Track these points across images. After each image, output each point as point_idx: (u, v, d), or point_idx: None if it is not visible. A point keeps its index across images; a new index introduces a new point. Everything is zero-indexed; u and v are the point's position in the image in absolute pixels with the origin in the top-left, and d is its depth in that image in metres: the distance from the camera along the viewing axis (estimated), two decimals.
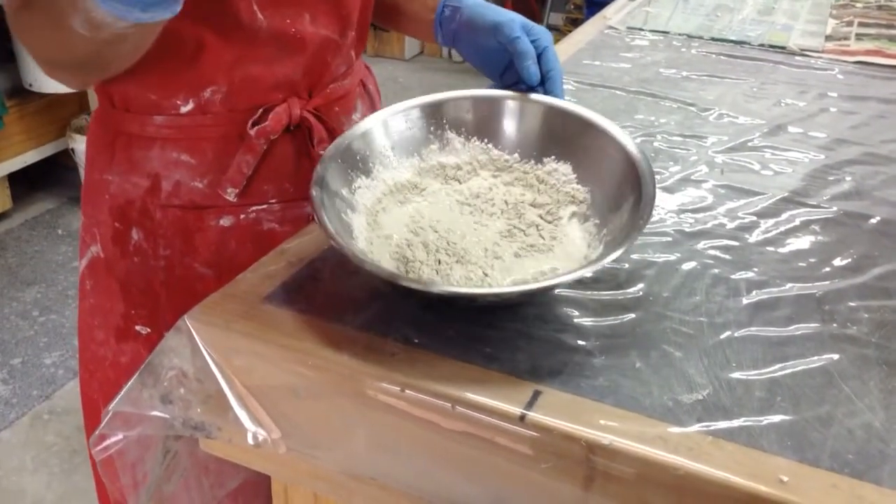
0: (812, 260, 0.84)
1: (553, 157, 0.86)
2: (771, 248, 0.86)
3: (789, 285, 0.80)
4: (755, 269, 0.82)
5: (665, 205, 0.94)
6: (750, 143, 1.11)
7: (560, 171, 0.85)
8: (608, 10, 1.73)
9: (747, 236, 0.88)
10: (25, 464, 1.88)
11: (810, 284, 0.80)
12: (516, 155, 0.88)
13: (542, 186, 0.84)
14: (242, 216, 0.92)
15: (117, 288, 0.93)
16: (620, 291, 0.78)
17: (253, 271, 0.79)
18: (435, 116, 0.88)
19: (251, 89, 0.88)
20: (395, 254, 0.76)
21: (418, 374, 0.66)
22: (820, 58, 1.48)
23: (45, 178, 2.99)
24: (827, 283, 0.80)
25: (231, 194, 0.90)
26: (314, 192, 0.74)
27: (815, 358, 0.70)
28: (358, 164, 0.82)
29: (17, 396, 2.07)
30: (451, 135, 0.88)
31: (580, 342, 0.70)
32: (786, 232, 0.89)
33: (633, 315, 0.74)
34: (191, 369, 0.71)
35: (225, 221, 0.91)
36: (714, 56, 1.48)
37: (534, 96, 0.89)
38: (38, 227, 2.82)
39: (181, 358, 0.71)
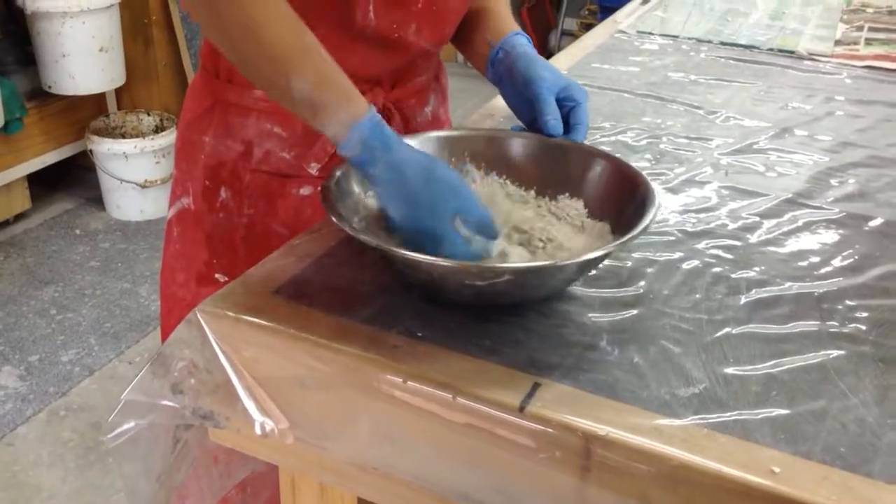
0: (813, 260, 0.85)
1: (567, 194, 0.89)
2: (772, 248, 0.87)
3: (789, 284, 0.81)
4: (756, 269, 0.83)
5: (669, 205, 0.96)
6: (755, 146, 1.12)
7: (572, 206, 0.87)
8: (619, 15, 1.74)
9: (749, 236, 0.89)
10: (42, 459, 1.91)
11: (810, 283, 0.81)
12: (532, 192, 0.90)
13: (554, 219, 0.87)
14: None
15: (202, 238, 1.01)
16: (621, 289, 0.79)
17: (262, 266, 0.81)
18: (457, 148, 0.91)
19: None
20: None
21: (420, 365, 0.68)
22: (828, 62, 1.48)
23: (64, 179, 3.03)
24: (827, 282, 0.81)
25: (314, 168, 0.98)
26: (327, 183, 0.77)
27: (812, 354, 0.71)
28: None
29: (33, 393, 2.10)
30: (470, 167, 0.91)
31: (579, 337, 0.72)
32: (788, 232, 0.91)
33: (633, 311, 0.76)
34: (201, 360, 0.73)
35: (305, 191, 0.99)
36: (723, 60, 1.49)
37: (557, 139, 0.91)
38: (56, 228, 2.86)
39: (192, 349, 0.73)
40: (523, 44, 0.99)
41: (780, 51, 1.54)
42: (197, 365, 0.73)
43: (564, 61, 1.46)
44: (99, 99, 2.93)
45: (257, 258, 0.86)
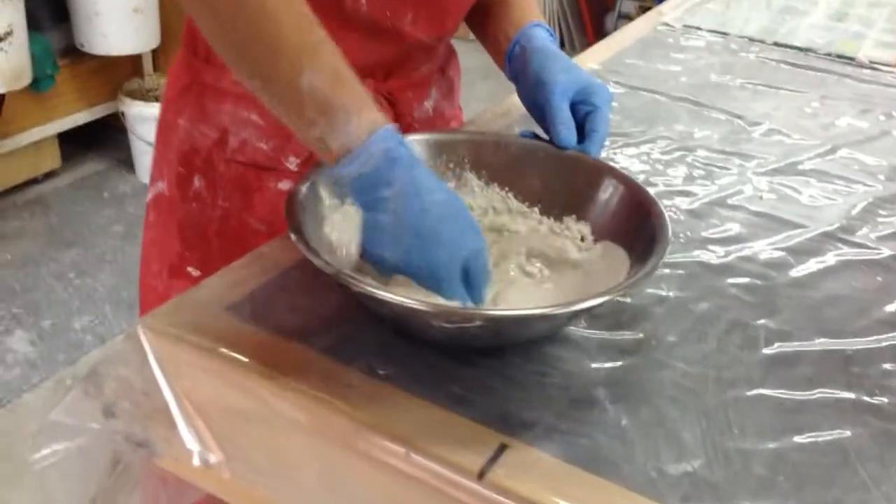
0: (847, 309, 0.75)
1: (574, 216, 0.79)
2: (801, 292, 0.77)
3: (816, 339, 0.70)
4: (779, 316, 0.73)
5: (690, 231, 0.85)
6: (798, 166, 1.01)
7: (575, 230, 0.78)
8: (665, 6, 1.62)
9: (776, 275, 0.79)
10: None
11: (840, 340, 0.70)
12: (536, 210, 0.80)
13: (557, 240, 0.78)
14: None
15: (175, 227, 0.94)
16: (621, 331, 0.69)
17: (221, 276, 0.73)
18: (456, 153, 0.81)
19: None
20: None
21: (376, 411, 0.60)
22: (891, 72, 1.35)
23: (96, 140, 2.99)
24: (860, 339, 0.71)
25: (293, 163, 0.89)
26: (297, 187, 0.69)
27: (832, 431, 0.61)
28: None
29: (42, 359, 2.07)
30: (469, 175, 0.81)
31: (564, 389, 0.63)
32: (822, 273, 0.80)
33: (631, 360, 0.66)
34: (138, 381, 0.66)
35: (284, 185, 0.90)
36: (773, 63, 1.36)
37: (569, 151, 0.81)
38: (84, 189, 2.83)
39: (129, 367, 0.66)
40: (541, 37, 0.88)
41: (839, 56, 1.40)
42: (133, 386, 0.66)
43: (599, 54, 1.34)
44: (135, 60, 2.87)
45: (232, 254, 0.79)
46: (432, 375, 0.63)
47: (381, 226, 0.63)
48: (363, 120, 0.63)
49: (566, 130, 0.80)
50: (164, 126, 0.95)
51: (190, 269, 0.94)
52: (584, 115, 0.83)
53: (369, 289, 0.60)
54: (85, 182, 2.87)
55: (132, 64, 2.89)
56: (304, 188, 0.68)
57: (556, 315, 0.63)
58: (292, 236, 0.63)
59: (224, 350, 0.64)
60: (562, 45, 3.96)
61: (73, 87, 2.72)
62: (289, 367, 0.63)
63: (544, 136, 0.84)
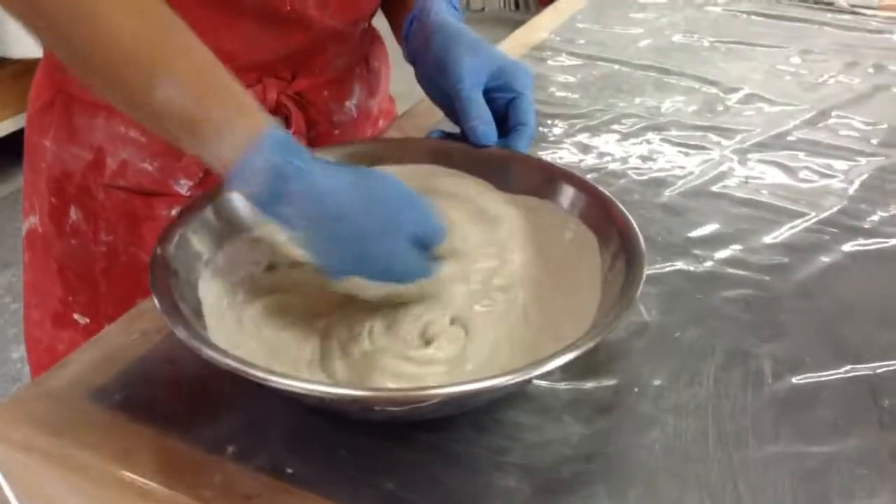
0: (865, 320, 0.61)
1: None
2: (809, 302, 0.63)
3: (834, 365, 0.57)
4: (786, 338, 0.59)
5: (667, 231, 0.71)
6: (787, 138, 0.87)
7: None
8: None
9: (777, 282, 0.65)
10: None
11: (864, 365, 0.57)
12: None
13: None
14: None
15: (55, 269, 0.81)
16: (596, 378, 0.56)
17: (92, 345, 0.58)
18: (365, 162, 0.66)
19: None
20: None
21: None
22: (875, 17, 1.21)
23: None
24: (887, 361, 0.57)
25: (184, 187, 0.75)
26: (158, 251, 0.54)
27: (870, 501, 0.47)
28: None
29: None
30: None
31: (525, 472, 0.49)
32: (829, 274, 0.66)
33: (608, 421, 0.52)
34: None
35: (178, 211, 0.74)
36: (744, 16, 1.22)
37: (491, 149, 0.66)
38: (20, 202, 2.64)
39: None
40: (440, 10, 0.72)
41: (815, 1, 1.26)
42: None
43: (550, 19, 1.20)
44: None
45: (123, 295, 0.72)
46: (357, 467, 0.49)
47: (303, 241, 0.53)
48: (238, 130, 0.52)
49: (484, 126, 0.66)
50: (30, 150, 0.80)
51: (76, 316, 0.80)
52: (503, 104, 0.68)
53: (275, 379, 0.45)
54: (20, 195, 2.68)
55: None
56: (172, 242, 0.54)
57: (525, 379, 0.49)
58: (174, 328, 0.48)
59: (85, 460, 0.49)
60: (516, 8, 3.78)
61: None
62: (173, 476, 0.48)
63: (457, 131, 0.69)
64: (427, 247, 0.55)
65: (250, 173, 0.51)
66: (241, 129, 0.52)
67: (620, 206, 0.59)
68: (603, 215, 0.59)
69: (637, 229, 0.56)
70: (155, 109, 0.51)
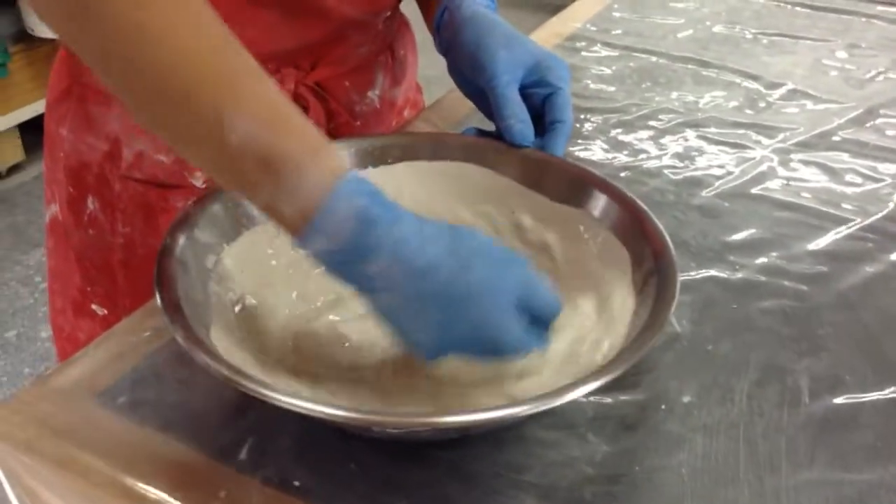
0: None
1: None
2: (851, 315, 0.60)
3: (875, 386, 0.54)
4: (826, 353, 0.56)
5: (702, 235, 0.68)
6: (831, 138, 0.83)
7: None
8: None
9: (817, 293, 0.62)
10: None
11: None
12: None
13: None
14: None
15: (74, 259, 0.80)
16: (622, 392, 0.53)
17: (102, 342, 0.56)
18: (385, 162, 0.64)
19: None
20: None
21: None
22: None
23: None
24: None
25: (199, 179, 0.73)
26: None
27: None
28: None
29: (6, 374, 1.92)
30: None
31: (544, 493, 0.46)
32: (873, 284, 0.63)
33: (633, 439, 0.50)
34: None
35: None
36: (789, 7, 1.17)
37: (526, 150, 0.63)
38: None
39: None
40: (475, 0, 0.69)
41: None
42: None
43: (585, 10, 1.16)
44: None
45: (141, 287, 0.69)
46: (367, 482, 0.47)
47: (389, 310, 0.46)
48: (321, 169, 0.44)
49: (520, 124, 0.63)
50: (49, 138, 0.78)
51: (94, 307, 0.79)
52: (540, 100, 0.65)
53: (278, 397, 0.43)
54: None
55: None
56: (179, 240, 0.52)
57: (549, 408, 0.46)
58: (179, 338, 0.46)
59: (88, 463, 0.48)
60: None
61: (28, 75, 2.54)
62: (177, 485, 0.47)
63: (492, 128, 0.66)
64: (538, 319, 0.48)
65: (335, 224, 0.44)
66: (324, 166, 0.44)
67: (655, 220, 0.56)
68: (638, 231, 0.56)
69: (672, 250, 0.53)
70: (224, 143, 0.43)
